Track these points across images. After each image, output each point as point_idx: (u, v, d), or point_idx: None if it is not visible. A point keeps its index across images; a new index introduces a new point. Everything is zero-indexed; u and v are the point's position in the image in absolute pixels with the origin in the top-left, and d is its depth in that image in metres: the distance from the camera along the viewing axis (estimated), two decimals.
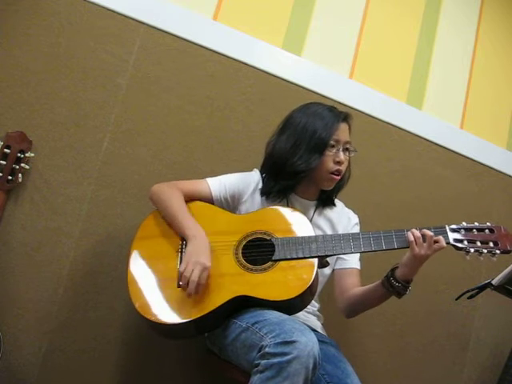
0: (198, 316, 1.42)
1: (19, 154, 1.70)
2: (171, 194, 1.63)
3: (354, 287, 1.67)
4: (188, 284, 1.43)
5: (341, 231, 1.71)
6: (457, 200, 2.37)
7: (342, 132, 1.63)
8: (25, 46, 1.82)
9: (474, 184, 2.41)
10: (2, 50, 1.80)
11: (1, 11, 1.81)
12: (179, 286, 1.46)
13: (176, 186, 1.66)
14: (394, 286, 1.52)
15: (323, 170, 1.61)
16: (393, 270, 1.55)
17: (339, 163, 1.61)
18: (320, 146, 1.59)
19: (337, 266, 1.73)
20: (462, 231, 1.53)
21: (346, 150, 1.63)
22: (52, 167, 1.82)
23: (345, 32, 2.30)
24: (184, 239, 1.56)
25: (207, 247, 1.50)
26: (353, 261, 1.72)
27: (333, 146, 1.61)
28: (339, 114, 1.65)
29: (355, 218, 1.78)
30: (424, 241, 1.48)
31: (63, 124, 1.84)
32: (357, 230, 1.76)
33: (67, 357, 1.77)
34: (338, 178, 1.64)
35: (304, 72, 2.17)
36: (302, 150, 1.59)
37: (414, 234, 1.49)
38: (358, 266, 1.73)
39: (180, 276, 1.45)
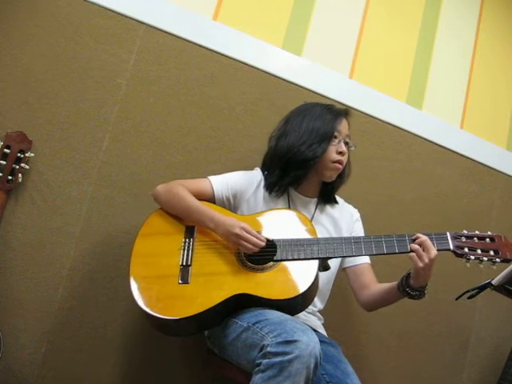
0: (199, 311, 1.43)
1: (19, 154, 1.70)
2: (180, 190, 1.64)
3: (372, 282, 1.70)
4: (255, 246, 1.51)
5: (344, 228, 1.74)
6: (457, 200, 2.37)
7: (343, 126, 1.71)
8: (25, 46, 1.82)
9: (473, 184, 2.42)
10: (2, 49, 1.80)
11: (1, 11, 1.81)
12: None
13: (179, 183, 1.68)
14: (411, 294, 1.53)
15: (327, 159, 1.67)
16: (407, 280, 1.54)
17: (341, 154, 1.68)
18: (325, 136, 1.66)
19: (348, 264, 1.75)
20: (463, 238, 1.53)
21: (346, 143, 1.70)
22: (52, 167, 1.82)
23: (345, 32, 2.30)
24: (186, 238, 1.58)
25: (226, 218, 1.56)
26: (362, 256, 1.71)
27: (335, 137, 1.68)
28: (340, 109, 1.74)
29: (356, 213, 1.82)
30: (424, 249, 1.48)
31: (63, 124, 1.84)
32: (360, 224, 1.80)
33: (67, 357, 1.77)
34: (341, 167, 1.69)
35: (304, 72, 2.17)
36: (310, 140, 1.65)
37: (412, 247, 1.50)
38: (369, 260, 1.75)
39: (252, 256, 1.52)
